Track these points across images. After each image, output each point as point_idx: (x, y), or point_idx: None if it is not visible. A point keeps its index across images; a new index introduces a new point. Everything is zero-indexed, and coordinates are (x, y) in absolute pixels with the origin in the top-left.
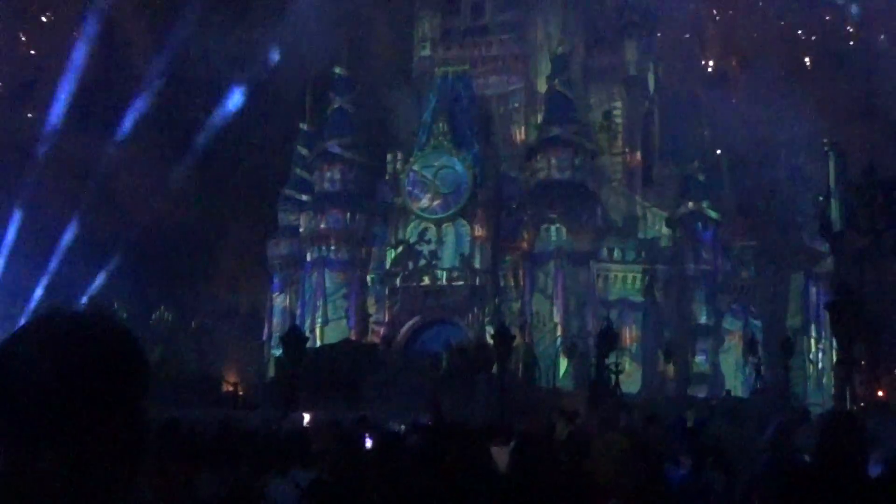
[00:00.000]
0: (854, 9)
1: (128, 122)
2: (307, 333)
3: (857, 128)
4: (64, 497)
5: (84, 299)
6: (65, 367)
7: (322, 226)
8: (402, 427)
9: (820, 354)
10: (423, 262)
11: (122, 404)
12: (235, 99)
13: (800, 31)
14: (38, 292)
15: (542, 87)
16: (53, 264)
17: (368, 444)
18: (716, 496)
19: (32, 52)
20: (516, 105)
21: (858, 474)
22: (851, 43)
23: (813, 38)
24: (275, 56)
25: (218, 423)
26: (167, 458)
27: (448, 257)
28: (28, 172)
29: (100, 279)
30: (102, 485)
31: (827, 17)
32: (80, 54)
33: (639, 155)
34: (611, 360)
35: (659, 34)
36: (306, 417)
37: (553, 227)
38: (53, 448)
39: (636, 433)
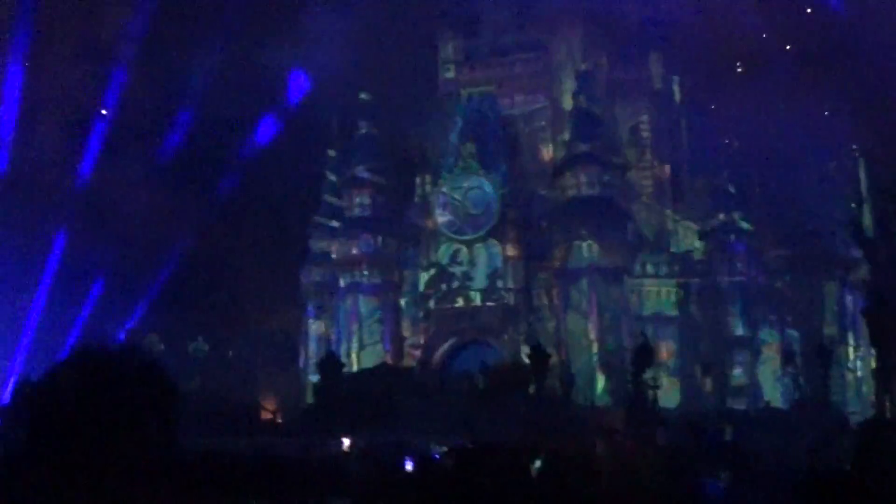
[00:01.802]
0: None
1: (159, 154)
2: (343, 359)
3: (889, 132)
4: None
5: (122, 332)
6: (99, 400)
7: (353, 251)
8: (440, 449)
9: (858, 362)
10: (456, 283)
11: (153, 433)
12: (265, 129)
13: (825, 35)
14: (78, 325)
15: (567, 104)
16: (92, 297)
17: (409, 466)
18: None
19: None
20: (542, 123)
21: None
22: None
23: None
24: (303, 85)
25: (257, 451)
26: (209, 488)
27: (480, 278)
28: (66, 205)
29: (138, 311)
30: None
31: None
32: (115, 84)
33: (668, 168)
34: (648, 375)
35: (682, 46)
36: (345, 443)
37: (585, 244)
38: (88, 474)
39: (674, 449)
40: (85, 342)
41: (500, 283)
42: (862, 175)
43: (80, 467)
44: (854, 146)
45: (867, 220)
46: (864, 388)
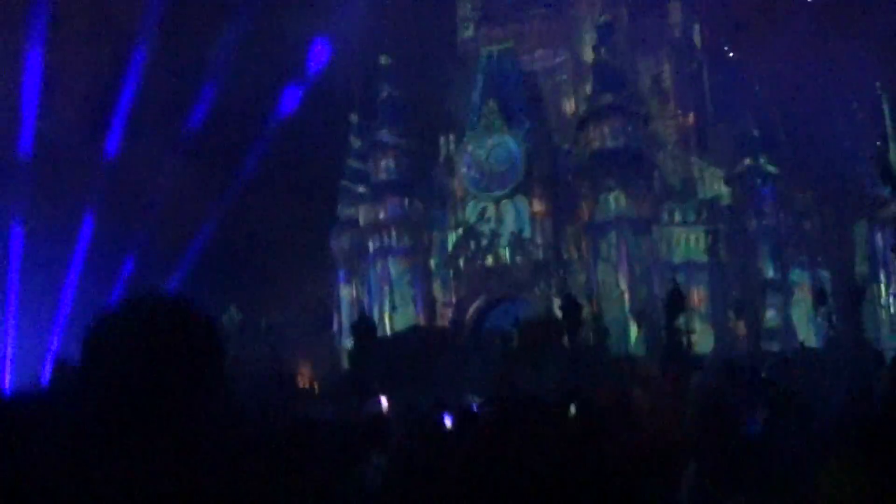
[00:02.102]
0: None
1: (185, 127)
2: (376, 322)
3: None
4: (147, 470)
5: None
6: (151, 348)
7: (381, 215)
8: (478, 401)
9: (891, 300)
10: (484, 241)
11: (202, 385)
12: (287, 97)
13: None
14: (111, 304)
15: (588, 57)
16: (124, 273)
17: (448, 424)
18: (794, 445)
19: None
20: (564, 77)
21: None
22: None
23: None
24: (324, 51)
25: (296, 417)
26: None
27: (508, 235)
28: (93, 183)
29: (171, 283)
30: (183, 458)
31: None
32: (138, 58)
33: (692, 117)
34: (680, 322)
35: None
36: (384, 402)
37: (612, 196)
38: (139, 424)
39: (710, 392)
40: (136, 293)
41: (528, 239)
42: (886, 112)
43: (129, 414)
44: (877, 83)
45: (893, 156)
46: None
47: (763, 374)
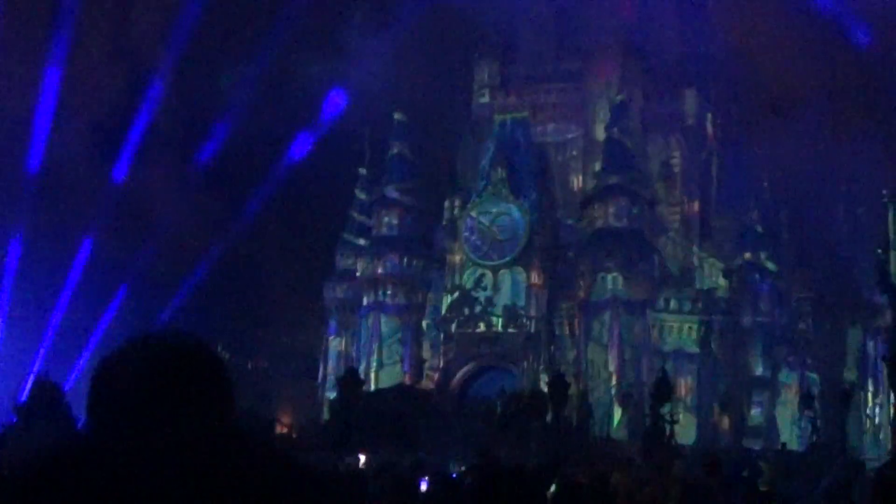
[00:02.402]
0: None
1: (193, 163)
2: (362, 377)
3: None
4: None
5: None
6: (161, 383)
7: (379, 270)
8: (459, 470)
9: (877, 409)
10: (478, 308)
11: (213, 418)
12: (298, 143)
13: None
14: (100, 330)
15: (600, 135)
16: (116, 301)
17: (423, 487)
18: None
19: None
20: (574, 153)
21: None
22: None
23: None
24: (339, 102)
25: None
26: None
27: (503, 304)
28: (97, 208)
29: (160, 318)
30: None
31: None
32: (153, 92)
33: (697, 205)
34: (665, 410)
35: (717, 83)
36: (362, 459)
37: (609, 276)
38: (149, 454)
39: (690, 481)
40: (142, 332)
41: (522, 311)
42: (890, 221)
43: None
44: (883, 192)
45: (894, 266)
46: (882, 436)
47: (744, 473)
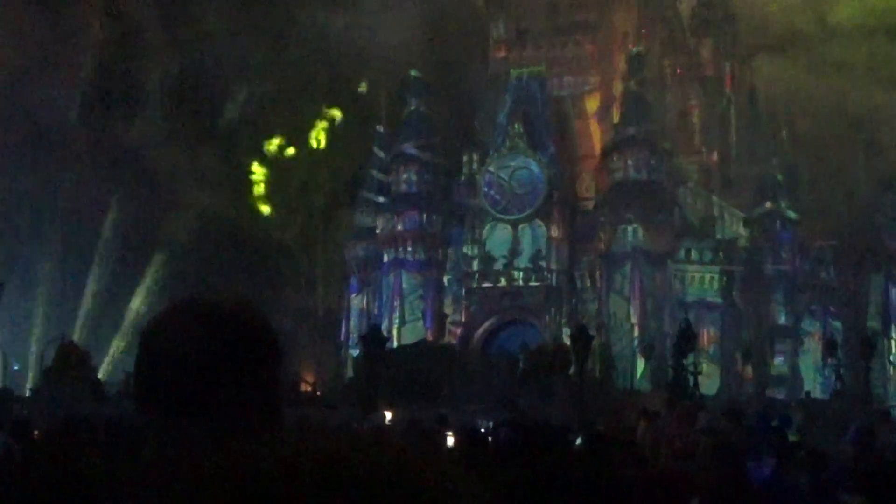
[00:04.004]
0: None
1: (215, 124)
2: (385, 334)
3: None
4: (207, 463)
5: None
6: (209, 347)
7: (398, 227)
8: (487, 425)
9: None
10: (499, 262)
11: (260, 383)
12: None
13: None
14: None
15: (617, 87)
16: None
17: (450, 441)
18: (800, 495)
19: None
20: (592, 105)
21: None
22: None
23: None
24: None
25: (299, 421)
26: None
27: (524, 258)
28: (121, 180)
29: (185, 282)
30: (242, 454)
31: None
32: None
33: (715, 155)
34: (689, 361)
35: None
36: (388, 416)
37: (630, 228)
38: (198, 419)
39: (717, 432)
40: (189, 296)
41: (543, 264)
42: None
43: (188, 410)
44: None
45: None
46: None
47: (774, 422)
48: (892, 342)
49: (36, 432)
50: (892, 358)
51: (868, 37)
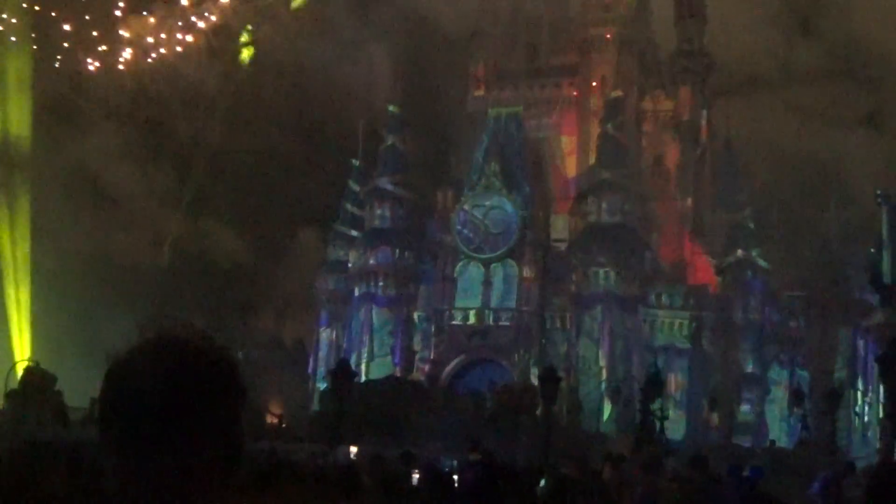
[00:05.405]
0: None
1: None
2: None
3: None
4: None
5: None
6: (175, 385)
7: (371, 262)
8: (452, 464)
9: (866, 408)
10: (470, 301)
11: (223, 420)
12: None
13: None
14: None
15: (594, 130)
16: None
17: (415, 479)
18: None
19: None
20: (568, 147)
21: None
22: None
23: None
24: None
25: (265, 454)
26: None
27: (495, 297)
28: (80, 200)
29: (150, 307)
30: (203, 491)
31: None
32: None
33: (689, 201)
34: (656, 406)
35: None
36: (353, 451)
37: (601, 271)
38: (161, 456)
39: (683, 479)
40: (156, 334)
41: (514, 304)
42: (884, 219)
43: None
44: (877, 191)
45: (886, 265)
46: (871, 434)
47: (745, 473)
48: (859, 394)
49: None
50: (857, 409)
51: (834, 81)
